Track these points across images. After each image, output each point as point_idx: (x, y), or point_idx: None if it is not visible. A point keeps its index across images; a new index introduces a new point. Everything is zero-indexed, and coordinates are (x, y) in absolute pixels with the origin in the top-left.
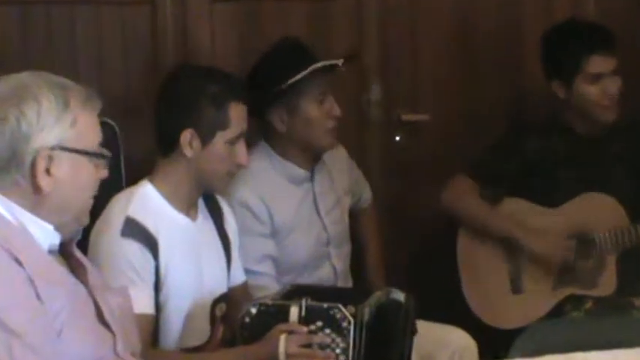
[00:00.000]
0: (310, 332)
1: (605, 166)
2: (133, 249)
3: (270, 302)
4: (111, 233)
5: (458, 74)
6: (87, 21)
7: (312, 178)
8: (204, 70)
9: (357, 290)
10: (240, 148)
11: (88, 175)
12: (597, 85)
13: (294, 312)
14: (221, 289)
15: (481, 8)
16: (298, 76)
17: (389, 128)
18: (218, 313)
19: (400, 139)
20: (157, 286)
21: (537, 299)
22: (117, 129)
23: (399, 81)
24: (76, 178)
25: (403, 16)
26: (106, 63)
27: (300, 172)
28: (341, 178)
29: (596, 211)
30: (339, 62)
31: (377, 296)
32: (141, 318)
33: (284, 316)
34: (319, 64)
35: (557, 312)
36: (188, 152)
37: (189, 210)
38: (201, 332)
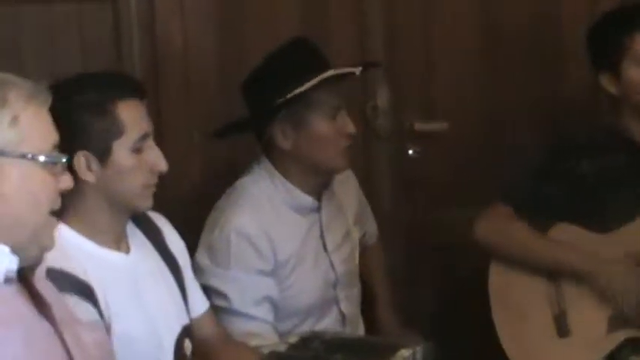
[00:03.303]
0: None
1: None
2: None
3: None
4: None
5: (482, 75)
6: (35, 21)
7: (319, 208)
8: (73, 79)
9: (383, 345)
10: (151, 151)
11: (43, 185)
12: None
13: None
14: (180, 323)
15: (510, 4)
16: (306, 86)
17: (400, 140)
18: (187, 352)
19: (414, 152)
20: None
21: (589, 343)
22: None
23: (411, 83)
24: (27, 190)
25: (414, 5)
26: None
27: (308, 200)
28: (350, 205)
29: None
30: (357, 70)
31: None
32: None
33: None
34: (329, 73)
35: (613, 358)
36: (89, 177)
37: (118, 243)
38: None
